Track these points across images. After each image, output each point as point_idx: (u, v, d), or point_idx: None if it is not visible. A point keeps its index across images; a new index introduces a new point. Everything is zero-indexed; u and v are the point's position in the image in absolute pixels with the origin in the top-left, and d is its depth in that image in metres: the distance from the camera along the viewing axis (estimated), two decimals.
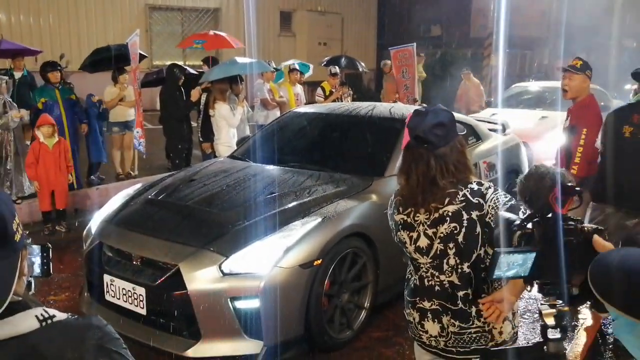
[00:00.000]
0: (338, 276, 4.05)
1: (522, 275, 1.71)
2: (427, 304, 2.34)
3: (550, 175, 2.40)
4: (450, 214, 2.22)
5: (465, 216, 2.20)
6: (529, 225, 1.77)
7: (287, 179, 4.76)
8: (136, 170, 8.99)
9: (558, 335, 1.76)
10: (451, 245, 2.23)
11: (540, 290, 1.79)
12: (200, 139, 8.00)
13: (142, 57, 9.11)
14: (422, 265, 2.34)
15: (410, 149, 2.30)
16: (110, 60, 9.18)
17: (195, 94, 7.80)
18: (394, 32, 20.41)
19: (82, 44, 13.45)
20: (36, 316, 1.14)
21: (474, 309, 2.26)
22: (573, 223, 1.64)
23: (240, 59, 8.41)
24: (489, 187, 2.24)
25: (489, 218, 2.17)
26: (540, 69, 23.10)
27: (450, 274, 2.27)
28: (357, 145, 5.36)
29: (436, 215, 2.26)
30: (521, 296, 4.74)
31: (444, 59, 19.47)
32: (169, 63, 9.23)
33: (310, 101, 10.48)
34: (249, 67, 8.48)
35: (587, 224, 1.49)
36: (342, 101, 9.94)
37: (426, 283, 2.34)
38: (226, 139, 7.38)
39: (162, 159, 9.65)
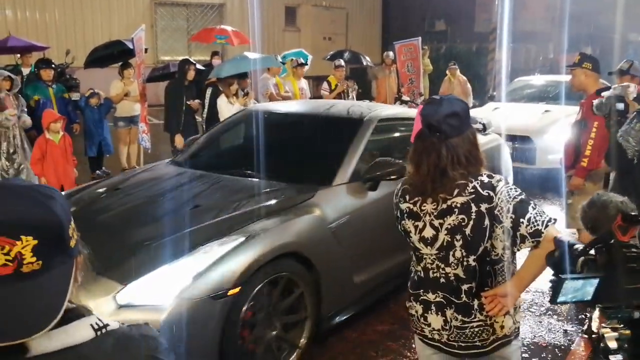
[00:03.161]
0: (265, 307, 3.42)
1: (586, 299, 1.77)
2: (431, 296, 2.31)
3: (614, 204, 2.40)
4: (458, 205, 2.20)
5: (474, 208, 2.18)
6: (592, 252, 1.86)
7: (219, 188, 4.20)
8: (142, 164, 9.04)
9: (620, 358, 1.81)
10: (458, 237, 2.20)
11: (603, 314, 1.87)
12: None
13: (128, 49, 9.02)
14: (425, 256, 2.31)
15: (422, 138, 2.26)
16: (111, 56, 9.23)
17: (194, 104, 7.86)
18: (399, 27, 20.39)
19: (88, 40, 13.50)
20: (91, 325, 1.10)
21: (476, 302, 2.24)
22: (636, 250, 1.70)
23: (250, 54, 8.46)
24: (500, 180, 2.22)
25: (498, 211, 2.15)
26: (545, 62, 23.07)
27: (455, 267, 2.24)
28: (304, 150, 4.73)
29: (444, 206, 2.23)
30: (527, 290, 4.76)
31: (448, 53, 19.44)
32: (180, 58, 9.20)
33: (316, 96, 10.49)
34: (259, 62, 8.53)
35: None
36: (347, 95, 9.94)
37: (431, 275, 2.30)
38: None
39: (168, 153, 9.70)
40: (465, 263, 2.21)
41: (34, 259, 1.03)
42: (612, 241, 1.76)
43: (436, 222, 2.25)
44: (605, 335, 1.84)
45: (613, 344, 1.82)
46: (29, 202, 1.06)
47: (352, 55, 14.28)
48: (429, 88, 14.08)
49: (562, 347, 4.08)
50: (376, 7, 21.69)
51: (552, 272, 1.88)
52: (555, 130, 8.47)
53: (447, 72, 12.87)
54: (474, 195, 2.18)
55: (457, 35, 20.81)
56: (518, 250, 2.22)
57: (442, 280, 2.28)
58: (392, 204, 2.45)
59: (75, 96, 9.62)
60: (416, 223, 2.31)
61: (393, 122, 5.07)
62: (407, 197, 2.34)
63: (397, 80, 12.43)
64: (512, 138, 8.21)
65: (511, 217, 2.13)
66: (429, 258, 2.30)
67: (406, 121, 4.92)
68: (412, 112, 4.74)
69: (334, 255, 3.87)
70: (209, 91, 7.92)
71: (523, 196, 2.17)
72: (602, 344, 1.85)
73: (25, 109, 7.34)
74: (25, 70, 9.67)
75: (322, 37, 19.15)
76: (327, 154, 4.48)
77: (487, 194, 2.17)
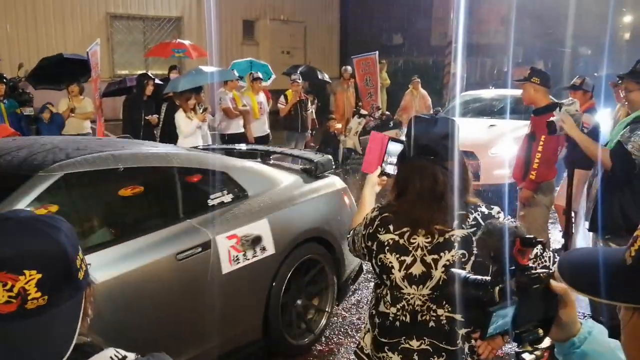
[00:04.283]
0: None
1: (507, 328, 1.73)
2: (415, 343, 2.03)
3: (511, 231, 2.43)
4: (458, 239, 1.98)
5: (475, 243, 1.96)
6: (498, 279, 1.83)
7: None
8: None
9: None
10: None
11: (516, 340, 1.79)
12: None
13: (84, 61, 8.80)
14: (406, 297, 2.04)
15: (410, 160, 2.06)
16: (59, 70, 9.04)
17: (153, 119, 7.78)
18: (357, 41, 20.59)
19: (41, 54, 13.22)
20: (111, 357, 1.06)
21: (466, 345, 2.04)
22: (535, 272, 1.75)
23: (205, 68, 8.42)
24: (500, 212, 2.05)
25: None
26: (500, 76, 23.62)
27: (450, 309, 2.01)
28: None
29: (441, 239, 1.99)
30: None
31: (406, 67, 19.73)
32: (138, 73, 9.09)
33: (274, 110, 10.50)
34: (215, 76, 8.51)
35: (540, 271, 1.60)
36: (306, 109, 9.97)
37: (419, 318, 2.02)
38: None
39: None
40: None
41: (39, 294, 0.97)
42: (514, 267, 1.75)
43: (429, 258, 2.01)
44: (527, 359, 1.79)
45: None
46: (31, 233, 1.01)
47: (309, 70, 14.35)
48: (387, 102, 14.25)
49: None
50: (334, 21, 21.87)
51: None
52: (500, 145, 8.49)
53: (410, 85, 13.03)
54: (475, 229, 1.97)
55: (414, 49, 21.13)
56: None
57: (432, 324, 2.02)
58: None
59: (28, 111, 9.39)
60: (402, 258, 2.03)
61: (94, 174, 3.35)
62: (391, 227, 2.06)
63: (355, 94, 12.55)
64: None
65: None
66: (418, 299, 2.03)
67: (134, 168, 3.54)
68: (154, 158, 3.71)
69: None
70: (164, 106, 7.87)
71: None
72: None
73: None
74: None
75: (281, 51, 19.20)
76: None
77: None
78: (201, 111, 7.64)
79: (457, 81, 14.66)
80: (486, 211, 2.03)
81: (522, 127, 8.67)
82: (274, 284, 3.93)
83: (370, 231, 2.12)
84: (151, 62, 16.19)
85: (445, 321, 2.00)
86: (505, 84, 21.71)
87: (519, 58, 24.98)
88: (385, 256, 2.05)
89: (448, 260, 1.97)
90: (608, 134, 4.69)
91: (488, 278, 1.87)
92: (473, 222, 1.99)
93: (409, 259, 2.02)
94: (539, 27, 23.75)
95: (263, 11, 18.96)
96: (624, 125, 3.75)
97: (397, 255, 2.03)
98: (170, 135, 7.62)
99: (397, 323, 2.06)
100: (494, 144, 8.54)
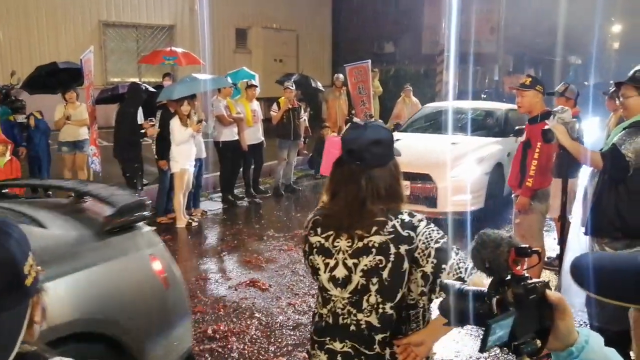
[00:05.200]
0: None
1: (505, 340, 1.68)
2: (338, 345, 2.06)
3: (506, 241, 2.43)
4: (376, 245, 1.99)
5: (393, 250, 1.98)
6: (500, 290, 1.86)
7: None
8: None
9: None
10: (374, 280, 1.98)
11: (515, 352, 1.84)
12: (156, 157, 7.97)
13: (78, 69, 8.77)
14: (334, 299, 2.07)
15: (341, 165, 2.08)
16: (54, 78, 9.01)
17: (152, 131, 7.76)
18: (349, 49, 20.68)
19: (34, 61, 13.19)
20: None
21: (387, 351, 2.03)
22: (532, 282, 1.76)
23: (199, 76, 8.43)
24: (422, 220, 2.04)
25: (419, 254, 1.97)
26: (491, 84, 23.79)
27: (369, 314, 2.01)
28: None
29: (360, 244, 2.01)
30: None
31: (397, 75, 19.83)
32: (125, 80, 9.06)
33: (267, 117, 10.51)
34: (210, 83, 8.51)
35: (536, 280, 1.63)
36: (298, 116, 9.99)
37: (340, 321, 2.06)
38: (174, 155, 7.55)
39: (119, 177, 9.54)
40: (380, 310, 2.00)
41: None
42: (509, 277, 1.73)
43: (350, 262, 2.03)
44: None
45: None
46: None
47: (302, 78, 14.40)
48: (379, 110, 14.31)
49: None
50: (326, 30, 21.97)
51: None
52: (462, 166, 7.47)
53: (402, 93, 13.18)
54: (393, 235, 1.99)
55: (405, 57, 21.26)
56: (436, 297, 2.02)
57: (352, 327, 2.04)
58: None
59: (20, 118, 9.36)
60: (327, 260, 2.07)
61: None
62: (319, 230, 2.11)
63: (347, 102, 12.59)
64: (410, 176, 6.78)
65: (432, 262, 1.96)
66: (340, 302, 2.06)
67: None
68: None
69: None
70: (159, 113, 7.87)
71: (445, 239, 2.01)
72: None
73: None
74: None
75: (273, 59, 19.25)
76: None
77: (407, 234, 1.99)
78: (197, 122, 7.66)
79: (449, 89, 14.74)
80: (406, 219, 2.02)
81: (490, 144, 8.25)
82: None
83: (304, 233, 2.19)
84: (144, 70, 16.20)
85: (364, 325, 2.02)
86: (497, 91, 21.92)
87: (509, 67, 25.21)
88: (314, 258, 2.10)
89: (366, 265, 1.99)
90: (597, 141, 4.73)
91: (485, 290, 1.88)
92: (391, 229, 1.99)
93: (332, 262, 2.05)
94: (529, 36, 23.95)
95: (256, 19, 19.02)
96: (620, 129, 3.80)
97: (323, 258, 2.07)
98: (165, 141, 7.64)
99: (324, 324, 2.11)
100: (455, 165, 7.41)
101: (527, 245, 1.81)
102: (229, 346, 4.53)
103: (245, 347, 4.53)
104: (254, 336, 4.71)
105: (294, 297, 5.43)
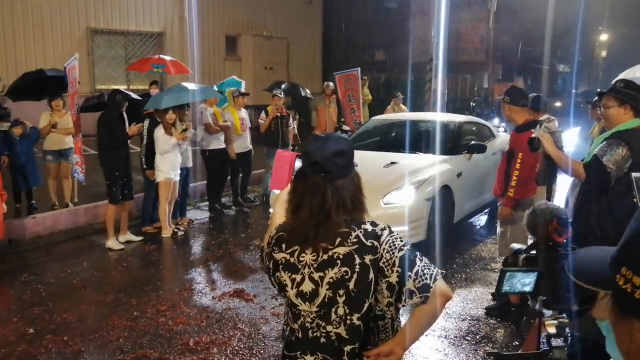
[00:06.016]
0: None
1: (528, 291, 2.13)
2: (309, 358, 2.06)
3: (550, 210, 2.51)
4: (341, 256, 1.98)
5: (357, 260, 1.97)
6: (533, 251, 2.26)
7: None
8: (76, 198, 8.75)
9: (561, 343, 2.15)
10: (341, 292, 1.98)
11: (544, 305, 2.18)
12: (144, 166, 7.89)
13: (64, 78, 8.60)
14: (303, 314, 2.06)
15: (303, 178, 2.06)
16: (40, 85, 8.92)
17: (134, 130, 7.63)
18: (339, 57, 20.74)
19: (21, 68, 13.12)
20: None
21: None
22: (568, 249, 2.03)
23: (188, 85, 8.38)
24: (384, 229, 2.03)
25: (383, 263, 1.96)
26: (480, 92, 23.90)
27: (337, 325, 2.00)
28: None
29: (325, 257, 2.00)
30: (463, 318, 4.84)
31: (387, 83, 19.88)
32: (113, 87, 8.97)
33: (256, 125, 10.48)
34: (198, 94, 8.46)
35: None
36: (288, 124, 9.94)
37: (310, 334, 2.05)
38: (159, 164, 7.49)
39: (104, 185, 9.46)
40: (348, 322, 1.99)
41: None
42: (550, 243, 2.14)
43: (316, 275, 2.02)
44: (546, 322, 2.16)
45: (552, 330, 2.15)
46: None
47: (291, 86, 14.38)
48: (369, 118, 14.32)
49: None
50: (317, 37, 22.00)
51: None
52: (397, 192, 6.50)
53: (392, 101, 13.25)
54: (357, 246, 1.98)
55: (396, 65, 21.32)
56: (403, 306, 2.03)
57: (322, 340, 2.04)
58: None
59: (4, 126, 9.27)
60: (293, 276, 2.05)
61: None
62: (284, 246, 2.09)
63: (337, 110, 12.58)
64: None
65: (397, 271, 1.95)
66: (309, 316, 2.05)
67: None
68: None
69: None
70: (146, 122, 7.82)
71: (408, 246, 2.00)
72: (543, 331, 2.21)
73: None
74: None
75: (264, 67, 19.25)
76: None
77: (371, 244, 1.98)
78: (180, 131, 7.57)
79: (437, 97, 14.77)
80: (369, 228, 2.01)
81: (436, 164, 7.07)
82: None
83: (267, 250, 2.16)
84: (132, 77, 16.13)
85: (334, 337, 2.02)
86: (485, 99, 22.01)
87: (499, 74, 25.34)
88: (280, 274, 2.08)
89: (332, 277, 1.99)
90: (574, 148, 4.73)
91: (524, 246, 2.31)
92: (355, 240, 1.98)
93: (298, 277, 2.04)
94: (517, 45, 24.09)
95: (246, 27, 19.02)
96: (601, 140, 3.80)
97: (289, 274, 2.06)
98: (151, 149, 7.59)
99: (294, 338, 2.11)
100: (389, 189, 6.51)
101: (567, 216, 2.10)
102: (210, 358, 4.47)
103: (227, 358, 4.48)
104: (236, 347, 4.65)
105: (279, 307, 5.38)
